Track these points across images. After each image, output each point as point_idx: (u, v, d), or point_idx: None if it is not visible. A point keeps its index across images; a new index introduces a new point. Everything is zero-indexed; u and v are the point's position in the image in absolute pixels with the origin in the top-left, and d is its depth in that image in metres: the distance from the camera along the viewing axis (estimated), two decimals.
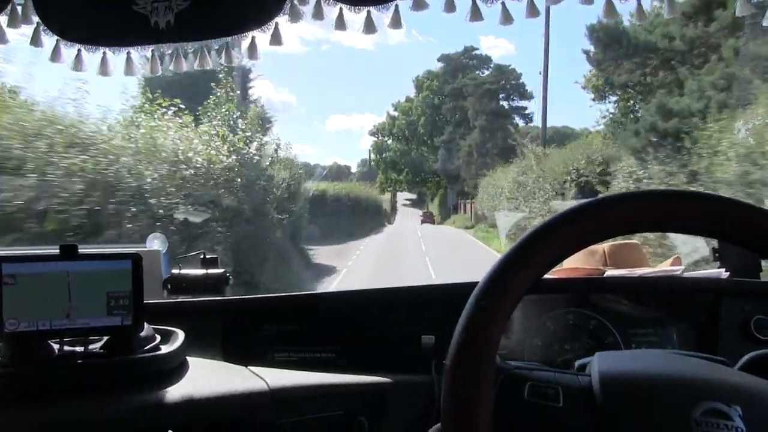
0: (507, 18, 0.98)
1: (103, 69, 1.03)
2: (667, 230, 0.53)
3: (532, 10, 0.97)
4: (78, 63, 1.03)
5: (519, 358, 1.03)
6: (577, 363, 0.62)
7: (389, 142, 50.67)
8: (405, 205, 55.98)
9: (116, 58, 1.03)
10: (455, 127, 39.46)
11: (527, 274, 0.48)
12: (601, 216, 0.49)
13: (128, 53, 1.02)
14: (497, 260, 0.50)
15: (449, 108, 41.63)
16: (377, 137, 51.85)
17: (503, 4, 0.96)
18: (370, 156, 51.25)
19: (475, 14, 0.98)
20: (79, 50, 1.02)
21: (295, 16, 1.02)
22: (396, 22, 1.04)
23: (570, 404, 0.49)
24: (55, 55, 1.03)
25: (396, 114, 49.84)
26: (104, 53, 1.02)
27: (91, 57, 1.03)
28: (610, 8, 0.96)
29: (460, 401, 0.46)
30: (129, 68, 1.03)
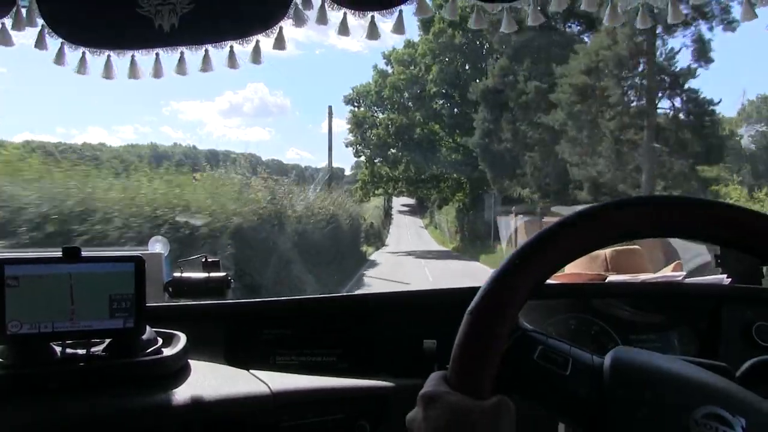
0: None
1: (107, 72, 1.04)
2: (669, 236, 0.54)
3: None
4: (82, 66, 1.03)
5: None
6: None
7: (377, 114, 29.16)
8: (402, 212, 47.65)
9: (120, 61, 1.03)
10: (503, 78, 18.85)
11: (566, 246, 0.51)
12: (609, 220, 0.51)
13: (132, 56, 1.03)
14: (532, 236, 0.52)
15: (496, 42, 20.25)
16: (355, 106, 30.08)
17: None
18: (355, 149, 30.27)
19: (479, 20, 0.98)
20: (83, 53, 1.02)
21: (299, 21, 1.02)
22: (399, 28, 1.04)
23: (576, 376, 0.49)
24: (60, 58, 1.03)
25: (389, 68, 28.85)
26: (108, 56, 1.02)
27: (96, 60, 1.03)
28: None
29: (472, 341, 0.48)
30: (133, 71, 1.04)
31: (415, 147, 26.90)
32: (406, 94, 28.21)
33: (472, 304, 0.50)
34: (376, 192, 31.07)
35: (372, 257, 18.60)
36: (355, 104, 30.39)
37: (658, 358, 0.53)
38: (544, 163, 17.10)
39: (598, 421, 0.47)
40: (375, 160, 29.48)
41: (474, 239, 21.72)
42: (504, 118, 19.04)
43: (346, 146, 30.95)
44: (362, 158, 30.65)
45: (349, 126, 30.13)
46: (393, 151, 28.32)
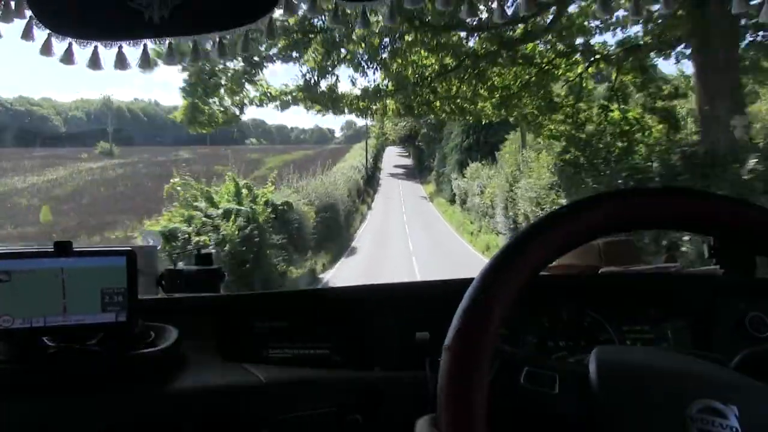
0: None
1: (94, 63, 1.03)
2: (662, 228, 0.54)
3: None
4: (68, 56, 1.02)
5: None
6: (572, 359, 0.62)
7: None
8: (394, 174, 32.83)
9: (107, 52, 1.02)
10: None
11: (532, 259, 0.49)
12: (603, 210, 0.50)
13: (120, 47, 1.01)
14: (502, 246, 0.50)
15: None
16: None
17: None
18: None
19: (472, 11, 0.97)
20: (70, 44, 1.01)
21: (290, 10, 1.01)
22: (392, 17, 1.03)
23: (565, 391, 0.49)
24: (46, 49, 1.02)
25: None
26: (95, 47, 1.01)
27: (82, 51, 1.02)
28: None
29: (456, 385, 0.46)
30: (120, 62, 1.03)
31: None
32: None
33: (447, 339, 0.48)
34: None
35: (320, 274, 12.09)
36: None
37: (643, 353, 0.53)
38: None
39: None
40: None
41: None
42: None
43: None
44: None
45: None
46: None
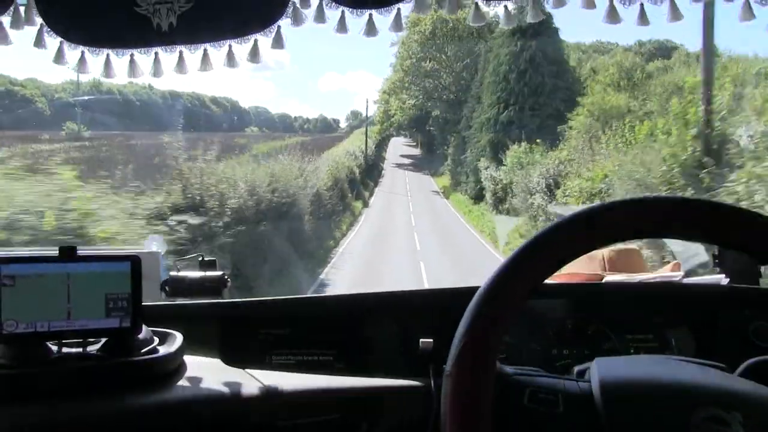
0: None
1: (107, 71, 1.04)
2: (667, 237, 0.54)
3: None
4: (82, 65, 1.03)
5: (517, 363, 1.03)
6: (576, 369, 0.62)
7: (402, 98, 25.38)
8: (401, 165, 28.19)
9: (120, 60, 1.03)
10: None
11: (531, 277, 0.48)
12: (605, 221, 0.50)
13: (132, 55, 1.03)
14: (498, 266, 0.50)
15: None
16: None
17: None
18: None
19: (477, 17, 0.98)
20: (82, 52, 1.02)
21: (297, 20, 1.02)
22: (397, 25, 1.04)
23: (570, 410, 0.49)
24: (59, 57, 1.03)
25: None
26: (108, 55, 1.02)
27: (95, 59, 1.03)
28: None
29: (461, 407, 0.46)
30: (132, 70, 1.04)
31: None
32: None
33: (448, 365, 0.47)
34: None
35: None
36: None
37: (644, 364, 0.53)
38: None
39: None
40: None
41: None
42: None
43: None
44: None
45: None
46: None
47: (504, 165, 14.47)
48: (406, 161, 29.35)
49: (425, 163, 28.09)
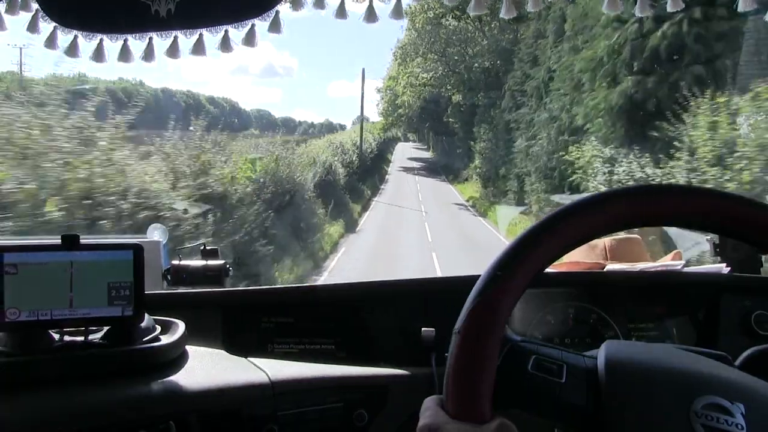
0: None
1: (98, 56, 1.02)
2: (668, 225, 0.54)
3: None
4: (73, 49, 1.02)
5: None
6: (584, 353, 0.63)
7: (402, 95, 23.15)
8: (408, 169, 21.88)
9: (113, 45, 1.02)
10: None
11: (546, 249, 0.50)
12: (614, 206, 0.50)
13: (125, 40, 1.01)
14: (518, 233, 0.51)
15: None
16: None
17: None
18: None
19: (478, 5, 0.97)
20: (75, 36, 1.01)
21: (296, 4, 1.01)
22: (398, 13, 1.03)
23: (572, 381, 0.49)
24: (51, 42, 1.02)
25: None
26: (101, 40, 1.01)
27: (87, 44, 1.02)
28: None
29: (465, 365, 0.48)
30: (124, 55, 1.02)
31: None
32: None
33: (458, 323, 0.49)
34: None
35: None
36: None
37: (651, 349, 0.53)
38: None
39: (597, 425, 0.47)
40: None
41: None
42: None
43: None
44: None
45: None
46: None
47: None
48: (416, 164, 22.66)
49: (441, 168, 21.74)
